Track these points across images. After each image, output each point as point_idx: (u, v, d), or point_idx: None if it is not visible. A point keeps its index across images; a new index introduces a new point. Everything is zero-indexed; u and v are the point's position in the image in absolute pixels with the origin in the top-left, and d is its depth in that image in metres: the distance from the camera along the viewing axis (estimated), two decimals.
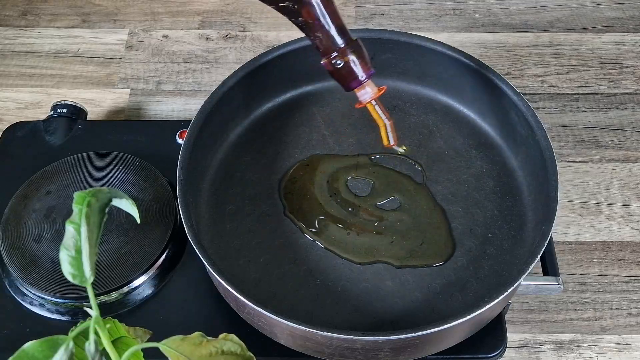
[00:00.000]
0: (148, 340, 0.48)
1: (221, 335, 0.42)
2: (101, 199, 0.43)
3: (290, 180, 0.71)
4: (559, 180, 0.63)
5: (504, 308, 0.65)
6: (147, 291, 0.67)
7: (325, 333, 0.55)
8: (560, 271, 0.66)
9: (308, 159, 0.73)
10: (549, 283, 0.63)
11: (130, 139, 0.78)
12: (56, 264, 0.66)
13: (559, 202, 0.61)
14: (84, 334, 0.41)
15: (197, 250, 0.59)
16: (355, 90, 0.61)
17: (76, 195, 0.42)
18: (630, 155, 0.84)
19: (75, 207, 0.41)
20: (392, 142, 0.65)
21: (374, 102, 0.62)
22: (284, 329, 0.57)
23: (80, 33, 0.98)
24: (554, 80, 0.92)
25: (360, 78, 0.60)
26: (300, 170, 0.72)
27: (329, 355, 0.59)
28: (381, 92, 0.61)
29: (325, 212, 0.69)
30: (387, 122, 0.64)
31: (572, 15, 1.00)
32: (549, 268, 0.65)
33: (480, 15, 1.00)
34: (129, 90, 0.92)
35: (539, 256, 0.59)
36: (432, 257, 0.66)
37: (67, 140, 0.78)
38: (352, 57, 0.59)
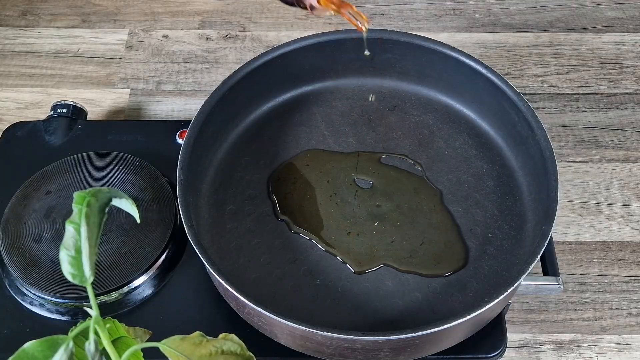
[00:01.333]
0: (148, 340, 0.48)
1: (221, 335, 0.42)
2: (101, 199, 0.43)
3: (290, 181, 0.71)
4: (559, 180, 0.63)
5: (504, 308, 0.65)
6: (147, 291, 0.67)
7: (325, 333, 0.55)
8: (560, 271, 0.66)
9: (308, 158, 0.73)
10: (549, 283, 0.63)
11: (130, 139, 0.78)
12: (56, 264, 0.66)
13: (559, 202, 0.61)
14: (84, 334, 0.41)
15: (197, 250, 0.59)
16: None
17: (76, 195, 0.42)
18: (630, 155, 0.84)
19: (75, 207, 0.41)
20: (364, 26, 0.62)
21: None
22: (284, 329, 0.57)
23: (80, 33, 0.98)
24: (554, 80, 0.92)
25: None
26: (300, 170, 0.72)
27: (329, 355, 0.59)
28: None
29: (325, 212, 0.69)
30: (349, 8, 0.63)
31: (572, 15, 1.00)
32: (549, 268, 0.65)
33: (480, 15, 1.00)
34: (129, 90, 0.92)
35: (539, 256, 0.59)
36: (436, 261, 0.66)
37: (67, 140, 0.78)
38: None
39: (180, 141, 0.76)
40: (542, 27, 0.98)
